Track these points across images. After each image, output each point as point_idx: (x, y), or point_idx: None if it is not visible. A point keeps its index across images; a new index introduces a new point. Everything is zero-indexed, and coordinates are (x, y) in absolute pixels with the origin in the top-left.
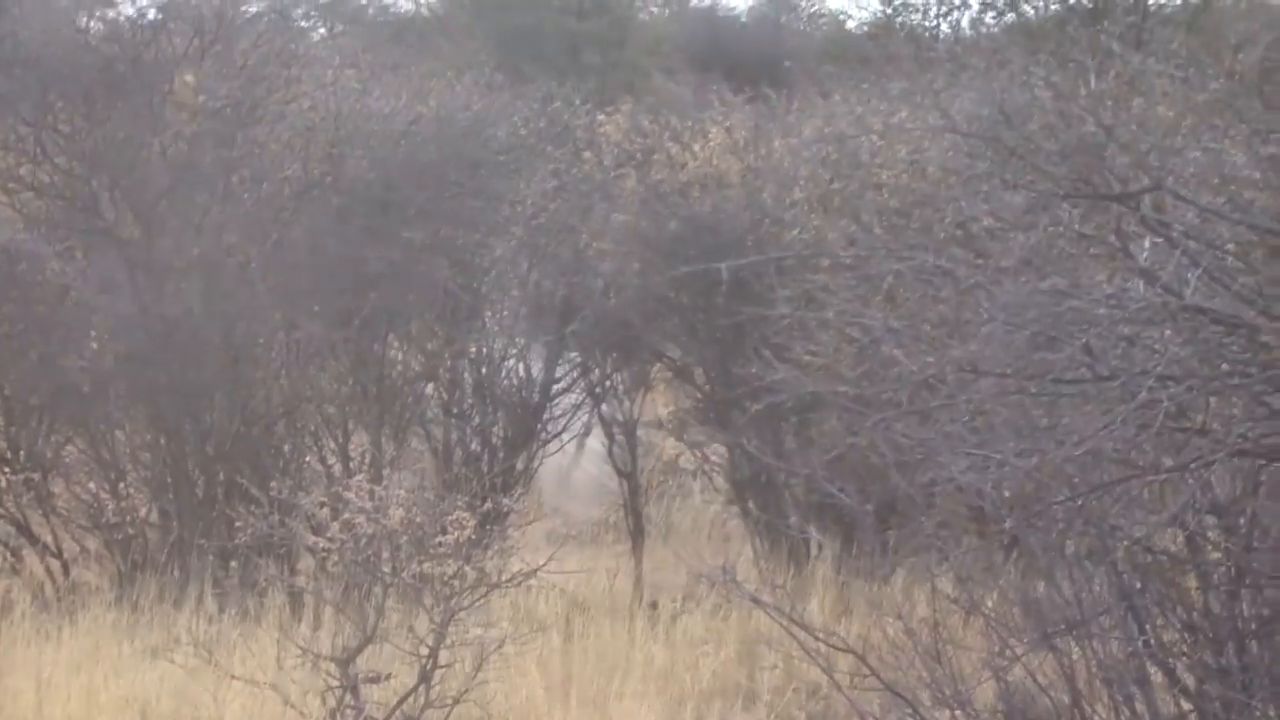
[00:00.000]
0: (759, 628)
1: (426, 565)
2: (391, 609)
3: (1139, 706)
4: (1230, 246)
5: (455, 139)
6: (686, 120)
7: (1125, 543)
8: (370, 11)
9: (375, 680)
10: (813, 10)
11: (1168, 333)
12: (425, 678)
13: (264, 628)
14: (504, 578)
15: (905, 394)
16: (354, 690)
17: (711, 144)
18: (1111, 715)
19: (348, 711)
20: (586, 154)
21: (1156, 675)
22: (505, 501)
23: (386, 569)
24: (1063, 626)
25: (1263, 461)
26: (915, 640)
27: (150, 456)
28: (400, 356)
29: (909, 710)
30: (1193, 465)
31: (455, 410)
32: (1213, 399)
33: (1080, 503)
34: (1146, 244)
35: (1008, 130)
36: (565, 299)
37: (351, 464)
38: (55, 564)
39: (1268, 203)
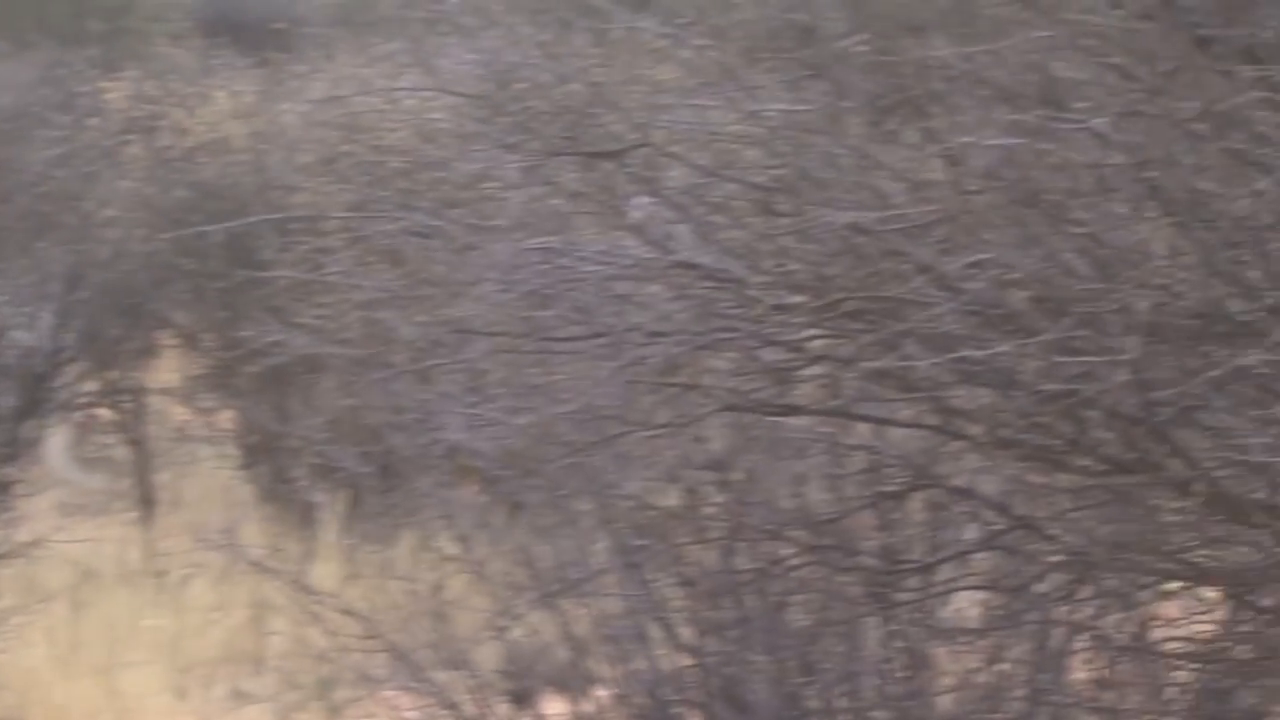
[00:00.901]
0: (268, 593)
1: None
2: None
3: (639, 662)
4: (720, 203)
5: None
6: (193, 86)
7: (623, 500)
8: None
9: None
10: None
11: (658, 289)
12: None
13: None
14: (9, 548)
15: (403, 355)
16: None
17: (218, 109)
18: (614, 669)
19: None
20: (92, 121)
21: (656, 630)
22: (11, 471)
23: None
24: (563, 585)
25: (754, 415)
26: (418, 602)
27: None
28: None
29: (413, 672)
30: (685, 420)
31: None
32: (704, 353)
33: (576, 460)
34: (643, 203)
35: (499, 90)
36: (72, 267)
37: None
38: None
39: (755, 159)
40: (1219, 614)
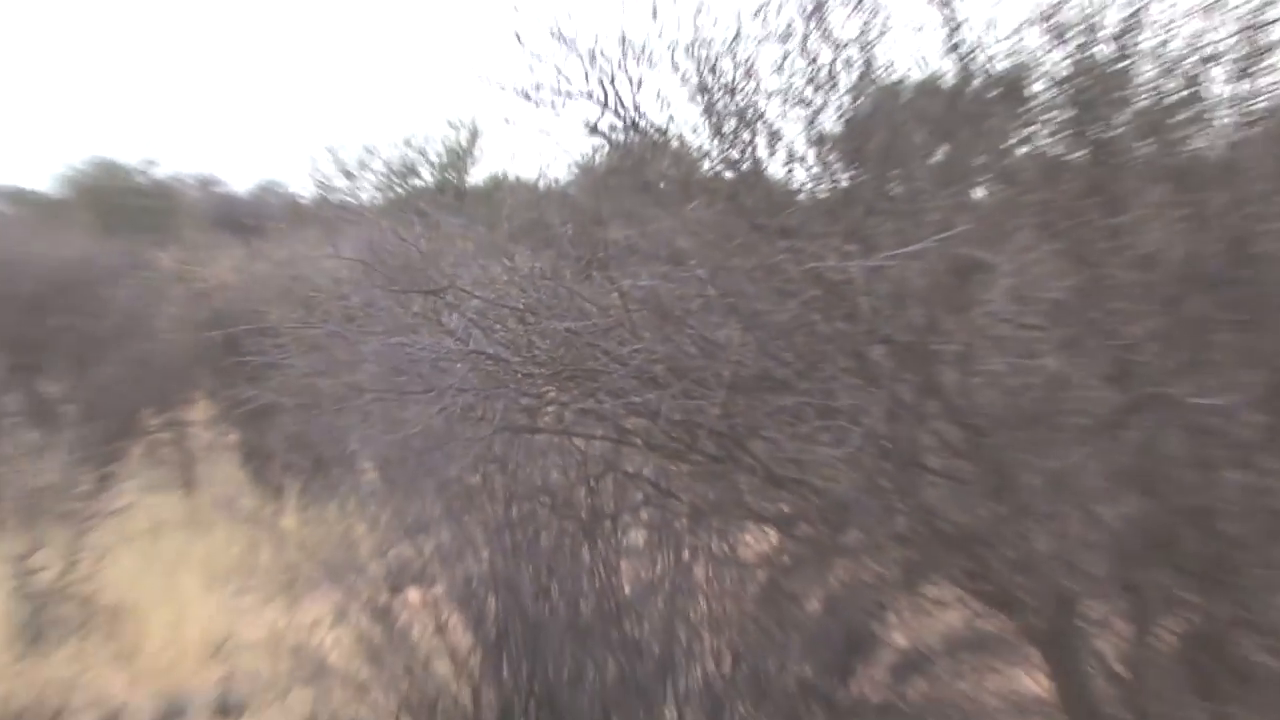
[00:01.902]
0: (258, 533)
1: None
2: None
3: (459, 569)
4: (497, 318)
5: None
6: (208, 254)
7: (448, 479)
8: None
9: None
10: (283, 191)
11: (460, 366)
12: None
13: None
14: (113, 509)
15: (326, 403)
16: None
17: (222, 267)
18: (445, 573)
19: None
20: (152, 274)
21: (469, 553)
22: (113, 468)
23: None
24: (417, 527)
25: (518, 433)
26: (339, 538)
27: None
28: None
29: (335, 576)
30: (480, 436)
31: None
32: (488, 400)
33: (422, 458)
34: (453, 318)
35: (374, 256)
36: (144, 356)
37: None
38: None
39: (515, 294)
40: (774, 540)
